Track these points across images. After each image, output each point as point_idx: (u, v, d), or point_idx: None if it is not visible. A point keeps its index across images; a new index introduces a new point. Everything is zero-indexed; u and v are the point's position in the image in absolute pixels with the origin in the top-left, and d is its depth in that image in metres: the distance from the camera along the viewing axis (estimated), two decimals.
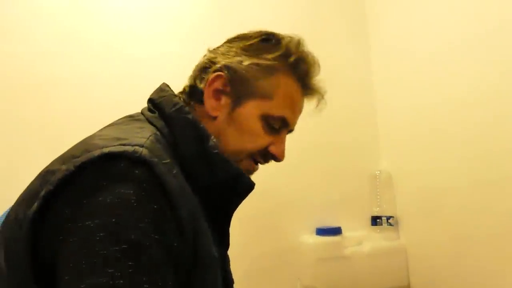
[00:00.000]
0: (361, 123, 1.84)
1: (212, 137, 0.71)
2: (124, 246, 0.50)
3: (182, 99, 0.78)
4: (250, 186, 0.74)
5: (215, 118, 0.75)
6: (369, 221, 1.75)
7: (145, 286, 0.50)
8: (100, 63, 1.55)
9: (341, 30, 1.88)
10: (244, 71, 0.74)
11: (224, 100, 0.75)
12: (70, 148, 0.63)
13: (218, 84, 0.75)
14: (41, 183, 0.56)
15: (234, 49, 0.77)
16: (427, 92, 1.58)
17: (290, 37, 0.79)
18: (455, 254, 1.45)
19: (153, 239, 0.52)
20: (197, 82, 0.77)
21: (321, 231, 1.65)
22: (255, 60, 0.75)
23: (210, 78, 0.75)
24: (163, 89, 0.77)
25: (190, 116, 0.71)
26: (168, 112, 0.71)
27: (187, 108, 0.72)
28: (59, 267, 0.51)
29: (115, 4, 1.60)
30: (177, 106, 0.72)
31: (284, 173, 1.65)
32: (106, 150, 0.56)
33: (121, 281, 0.48)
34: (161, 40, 1.63)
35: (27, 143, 1.44)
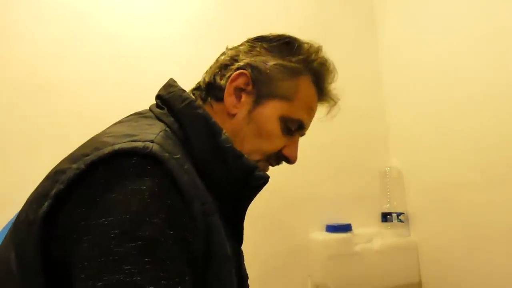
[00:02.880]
0: (370, 120, 1.84)
1: (224, 131, 0.69)
2: (139, 243, 0.50)
3: (197, 94, 0.78)
4: (265, 179, 0.71)
5: (233, 116, 0.74)
6: (379, 218, 1.74)
7: (162, 282, 0.49)
8: (107, 64, 1.55)
9: (350, 28, 1.88)
10: (268, 71, 0.74)
11: (245, 98, 0.74)
12: (79, 147, 0.61)
13: (240, 82, 0.74)
14: (51, 183, 0.55)
15: (257, 49, 0.76)
16: (437, 89, 1.57)
17: (311, 43, 0.79)
18: (466, 250, 1.44)
19: (168, 235, 0.52)
20: (217, 78, 0.76)
21: (331, 228, 1.65)
22: (280, 61, 0.75)
23: (232, 76, 0.74)
24: (171, 84, 0.75)
25: (200, 111, 0.70)
26: (177, 107, 0.70)
27: (197, 103, 0.71)
28: (74, 266, 0.51)
29: (121, 5, 1.60)
30: (187, 101, 0.71)
31: (294, 170, 1.63)
32: (116, 147, 0.55)
33: (139, 278, 0.48)
34: (168, 40, 1.63)
35: (36, 144, 1.44)
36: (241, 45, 0.80)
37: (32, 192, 0.60)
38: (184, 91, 0.74)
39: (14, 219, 0.61)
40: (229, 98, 0.74)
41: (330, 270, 1.59)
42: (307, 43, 0.79)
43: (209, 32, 1.65)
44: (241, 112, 0.74)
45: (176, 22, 1.65)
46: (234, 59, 0.76)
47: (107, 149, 0.55)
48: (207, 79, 0.78)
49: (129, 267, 0.48)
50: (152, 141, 0.57)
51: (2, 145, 1.42)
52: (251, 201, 0.75)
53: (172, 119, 0.69)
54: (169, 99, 0.72)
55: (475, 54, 1.40)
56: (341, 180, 1.74)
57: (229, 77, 0.74)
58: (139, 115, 0.72)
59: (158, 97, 0.75)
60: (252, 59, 0.75)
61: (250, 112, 0.74)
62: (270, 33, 0.80)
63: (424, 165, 1.64)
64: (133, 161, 0.55)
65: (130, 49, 1.58)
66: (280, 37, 0.79)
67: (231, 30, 1.60)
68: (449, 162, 1.51)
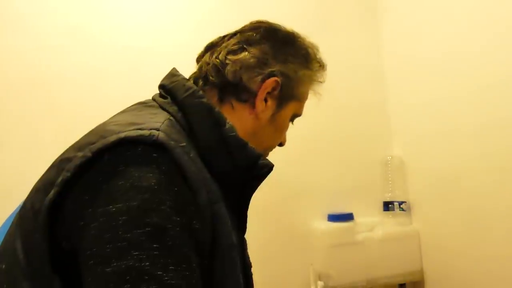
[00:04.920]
0: (372, 109, 1.83)
1: (228, 120, 0.70)
2: (147, 229, 0.50)
3: (209, 90, 0.76)
4: (270, 167, 0.73)
5: (257, 117, 0.76)
6: (381, 207, 1.74)
7: (170, 267, 0.50)
8: (108, 55, 1.54)
9: (352, 17, 1.87)
10: (296, 79, 0.79)
11: (270, 102, 0.77)
12: (85, 136, 0.62)
13: (270, 88, 0.76)
14: (57, 171, 0.56)
15: (283, 54, 0.78)
16: (439, 77, 1.56)
17: (311, 43, 0.84)
18: (468, 239, 1.45)
19: (175, 222, 0.52)
20: (244, 80, 0.75)
21: (333, 217, 1.65)
22: (306, 71, 0.81)
23: (267, 83, 0.75)
24: (174, 74, 0.76)
25: (204, 100, 0.70)
26: (181, 97, 0.70)
27: (200, 92, 0.71)
28: (81, 253, 0.51)
29: None
30: (190, 91, 0.70)
31: (296, 159, 1.65)
32: (122, 135, 0.56)
33: (147, 263, 0.49)
34: (170, 31, 1.62)
35: (37, 137, 1.44)
36: (259, 42, 0.77)
37: (37, 181, 0.61)
38: (187, 80, 0.74)
39: (19, 208, 0.61)
40: (261, 104, 0.76)
41: (332, 259, 1.60)
42: (310, 44, 0.83)
43: (210, 22, 1.64)
44: (266, 114, 0.77)
45: (177, 12, 1.64)
46: (262, 62, 0.76)
47: (113, 137, 0.55)
48: (230, 77, 0.75)
49: (137, 253, 0.49)
50: (157, 129, 0.58)
51: (2, 138, 1.42)
52: (255, 190, 0.75)
53: (175, 108, 0.69)
54: (172, 89, 0.72)
55: (477, 42, 1.39)
56: (343, 169, 1.74)
57: (262, 81, 0.75)
58: (143, 104, 0.72)
59: (161, 86, 0.75)
60: (283, 66, 0.77)
61: (273, 114, 0.78)
62: (279, 26, 0.82)
63: (426, 153, 1.64)
64: (139, 149, 0.55)
65: (130, 40, 1.57)
66: (294, 36, 0.82)
67: (233, 19, 1.58)
68: (451, 151, 1.51)
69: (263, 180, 0.74)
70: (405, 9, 1.76)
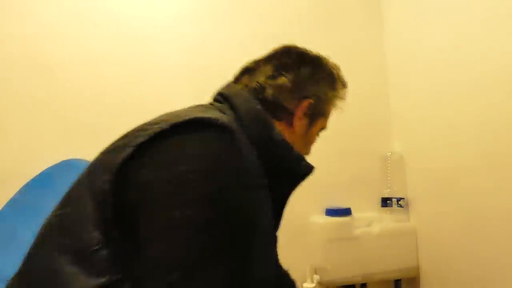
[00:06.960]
0: (373, 105, 1.83)
1: (276, 127, 0.78)
2: (210, 191, 0.57)
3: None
4: (311, 169, 0.81)
5: (294, 133, 0.85)
6: (379, 203, 1.75)
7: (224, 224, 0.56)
8: (109, 43, 1.53)
9: (355, 12, 1.86)
10: (325, 99, 0.89)
11: (304, 120, 0.86)
12: (156, 117, 0.67)
13: (306, 108, 0.85)
14: (131, 138, 0.61)
15: (315, 77, 0.87)
16: (439, 74, 1.56)
17: (334, 64, 0.92)
18: (464, 236, 1.45)
19: (233, 188, 0.59)
20: (282, 100, 0.83)
21: (331, 212, 1.65)
22: (333, 92, 0.90)
23: (303, 105, 0.84)
24: (231, 85, 0.85)
25: (259, 108, 0.78)
26: (237, 102, 0.78)
27: (256, 101, 0.79)
28: (146, 203, 0.57)
29: None
30: (246, 98, 0.79)
31: None
32: (193, 116, 0.62)
33: (208, 216, 0.56)
34: (171, 20, 1.60)
35: (40, 123, 1.43)
36: (291, 65, 0.86)
37: (108, 146, 0.65)
38: (243, 90, 0.82)
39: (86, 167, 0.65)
40: (298, 122, 0.85)
41: (329, 253, 1.60)
42: (333, 65, 0.92)
43: (211, 13, 1.62)
44: (300, 131, 0.86)
45: (178, 2, 1.63)
46: (297, 86, 0.85)
47: (186, 117, 0.62)
48: (269, 99, 0.83)
49: (200, 205, 0.56)
50: (222, 117, 0.65)
51: (3, 123, 1.41)
52: (294, 189, 0.82)
53: (232, 112, 0.76)
54: (229, 95, 0.80)
55: (478, 40, 1.39)
56: (342, 164, 1.74)
57: (298, 102, 0.84)
58: (202, 105, 0.79)
59: (218, 93, 0.83)
60: (316, 89, 0.86)
61: (306, 131, 0.87)
62: (305, 50, 0.90)
63: (426, 150, 1.64)
64: (208, 128, 0.62)
65: (132, 29, 1.56)
66: (321, 60, 0.90)
67: (233, 11, 1.58)
68: (451, 148, 1.51)
69: (303, 180, 0.81)
70: (408, 5, 1.75)
